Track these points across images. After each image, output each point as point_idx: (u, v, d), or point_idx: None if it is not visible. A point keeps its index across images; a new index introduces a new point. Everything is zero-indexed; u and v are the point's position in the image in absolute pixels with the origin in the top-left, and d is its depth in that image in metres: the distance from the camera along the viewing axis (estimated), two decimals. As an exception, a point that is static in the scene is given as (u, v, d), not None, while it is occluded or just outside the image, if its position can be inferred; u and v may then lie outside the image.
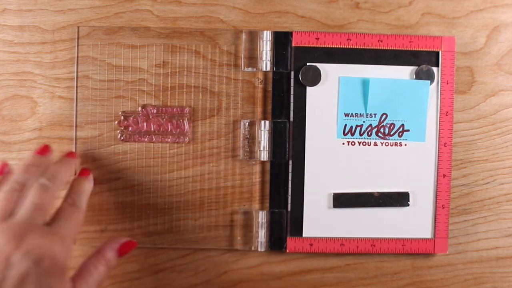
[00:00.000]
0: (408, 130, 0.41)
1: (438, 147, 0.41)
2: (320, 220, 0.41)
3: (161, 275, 0.41)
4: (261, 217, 0.41)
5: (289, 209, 0.41)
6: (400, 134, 0.41)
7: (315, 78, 0.41)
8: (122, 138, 0.41)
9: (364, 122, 0.41)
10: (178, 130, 0.41)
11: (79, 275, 0.34)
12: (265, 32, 0.40)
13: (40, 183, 0.34)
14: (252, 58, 0.41)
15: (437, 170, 0.41)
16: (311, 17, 0.41)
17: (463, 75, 0.42)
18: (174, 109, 0.41)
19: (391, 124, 0.41)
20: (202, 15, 0.41)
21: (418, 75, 0.41)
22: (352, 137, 0.41)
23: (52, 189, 0.34)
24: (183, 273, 0.42)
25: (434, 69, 0.41)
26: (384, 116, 0.41)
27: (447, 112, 0.41)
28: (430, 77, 0.41)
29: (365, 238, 0.41)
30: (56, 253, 0.31)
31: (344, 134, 0.41)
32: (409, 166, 0.41)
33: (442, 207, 0.41)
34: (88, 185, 0.38)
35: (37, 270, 0.30)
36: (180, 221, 0.41)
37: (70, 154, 0.39)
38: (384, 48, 0.41)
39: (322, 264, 0.42)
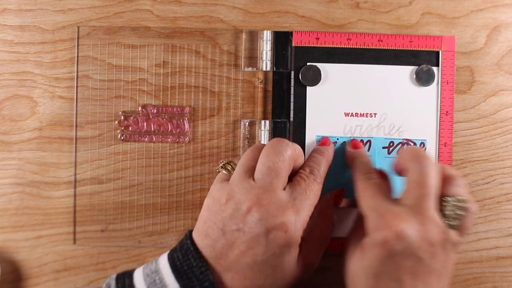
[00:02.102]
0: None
1: (438, 147, 0.41)
2: (320, 220, 0.41)
3: (161, 275, 0.41)
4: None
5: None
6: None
7: (315, 78, 0.41)
8: (122, 138, 0.41)
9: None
10: (178, 130, 0.41)
11: (306, 240, 0.35)
12: (265, 32, 0.40)
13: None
14: (252, 58, 0.41)
15: (437, 170, 0.41)
16: (311, 17, 0.41)
17: (463, 75, 0.42)
18: (174, 109, 0.41)
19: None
20: (202, 15, 0.41)
21: (418, 75, 0.41)
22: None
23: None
24: (183, 273, 0.41)
25: (434, 69, 0.41)
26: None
27: (447, 112, 0.41)
28: (430, 77, 0.41)
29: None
30: (289, 225, 0.32)
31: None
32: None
33: (442, 207, 0.41)
34: (326, 156, 0.37)
35: (267, 238, 0.32)
36: (180, 221, 0.41)
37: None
38: (384, 48, 0.41)
39: (322, 264, 0.42)
